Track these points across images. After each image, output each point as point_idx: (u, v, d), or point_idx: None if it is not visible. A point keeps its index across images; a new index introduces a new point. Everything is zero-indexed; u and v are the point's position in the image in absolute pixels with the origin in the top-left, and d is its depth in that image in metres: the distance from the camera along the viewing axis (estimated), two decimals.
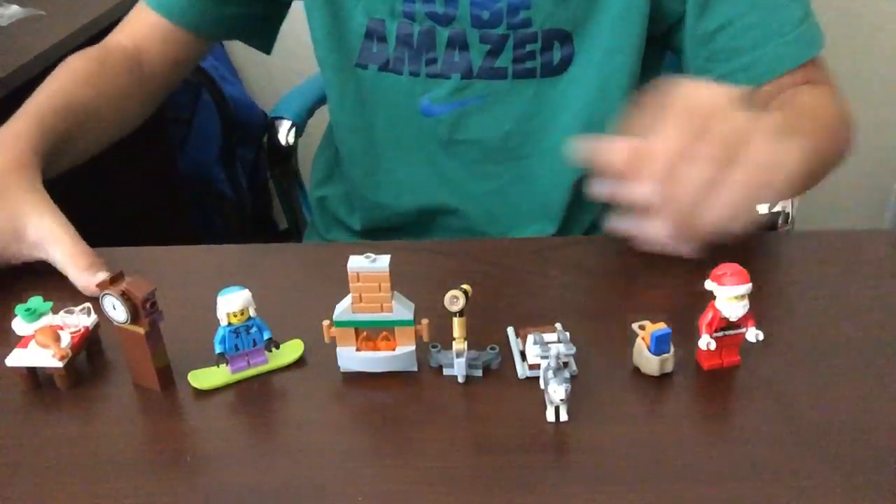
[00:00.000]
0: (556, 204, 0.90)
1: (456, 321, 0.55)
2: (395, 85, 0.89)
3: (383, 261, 0.54)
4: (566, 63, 0.86)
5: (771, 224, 1.01)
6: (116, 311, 0.54)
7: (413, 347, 0.57)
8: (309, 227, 1.13)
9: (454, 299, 0.53)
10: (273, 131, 1.24)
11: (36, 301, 0.61)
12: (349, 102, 0.92)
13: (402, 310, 0.55)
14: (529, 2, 0.82)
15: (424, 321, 0.56)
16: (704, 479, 0.49)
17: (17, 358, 0.57)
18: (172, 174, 1.70)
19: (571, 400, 0.52)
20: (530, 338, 0.56)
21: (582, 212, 0.92)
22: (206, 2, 0.91)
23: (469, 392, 0.56)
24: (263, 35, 0.99)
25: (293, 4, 0.97)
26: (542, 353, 0.54)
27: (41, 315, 0.60)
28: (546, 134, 0.88)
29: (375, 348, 0.57)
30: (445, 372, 0.57)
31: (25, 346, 0.57)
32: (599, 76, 0.85)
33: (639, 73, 0.87)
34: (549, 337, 0.55)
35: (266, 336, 0.57)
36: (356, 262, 0.54)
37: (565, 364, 0.54)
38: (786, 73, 0.83)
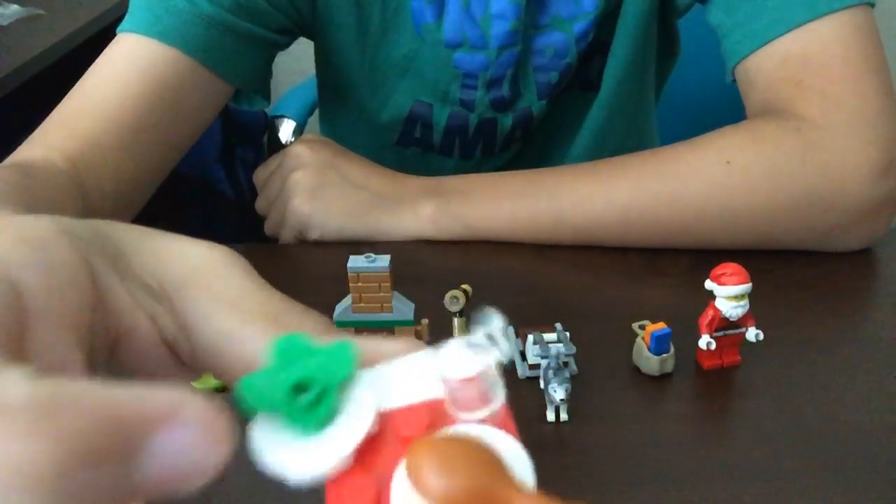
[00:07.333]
0: None
1: (456, 321, 0.55)
2: (441, 162, 0.84)
3: (383, 261, 0.54)
4: (599, 78, 0.82)
5: None
6: None
7: None
8: None
9: (454, 299, 0.53)
10: (273, 130, 1.24)
11: None
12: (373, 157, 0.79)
13: (402, 310, 0.55)
14: (588, 31, 0.76)
15: (424, 321, 0.55)
16: (704, 479, 0.48)
17: None
18: (172, 174, 1.70)
19: (571, 400, 0.52)
20: (530, 338, 0.56)
21: None
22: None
23: None
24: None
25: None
26: (542, 353, 0.54)
27: None
28: (564, 144, 0.87)
29: None
30: None
31: None
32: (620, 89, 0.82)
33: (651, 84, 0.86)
34: (549, 337, 0.55)
35: None
36: (356, 262, 0.54)
37: (565, 364, 0.54)
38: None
